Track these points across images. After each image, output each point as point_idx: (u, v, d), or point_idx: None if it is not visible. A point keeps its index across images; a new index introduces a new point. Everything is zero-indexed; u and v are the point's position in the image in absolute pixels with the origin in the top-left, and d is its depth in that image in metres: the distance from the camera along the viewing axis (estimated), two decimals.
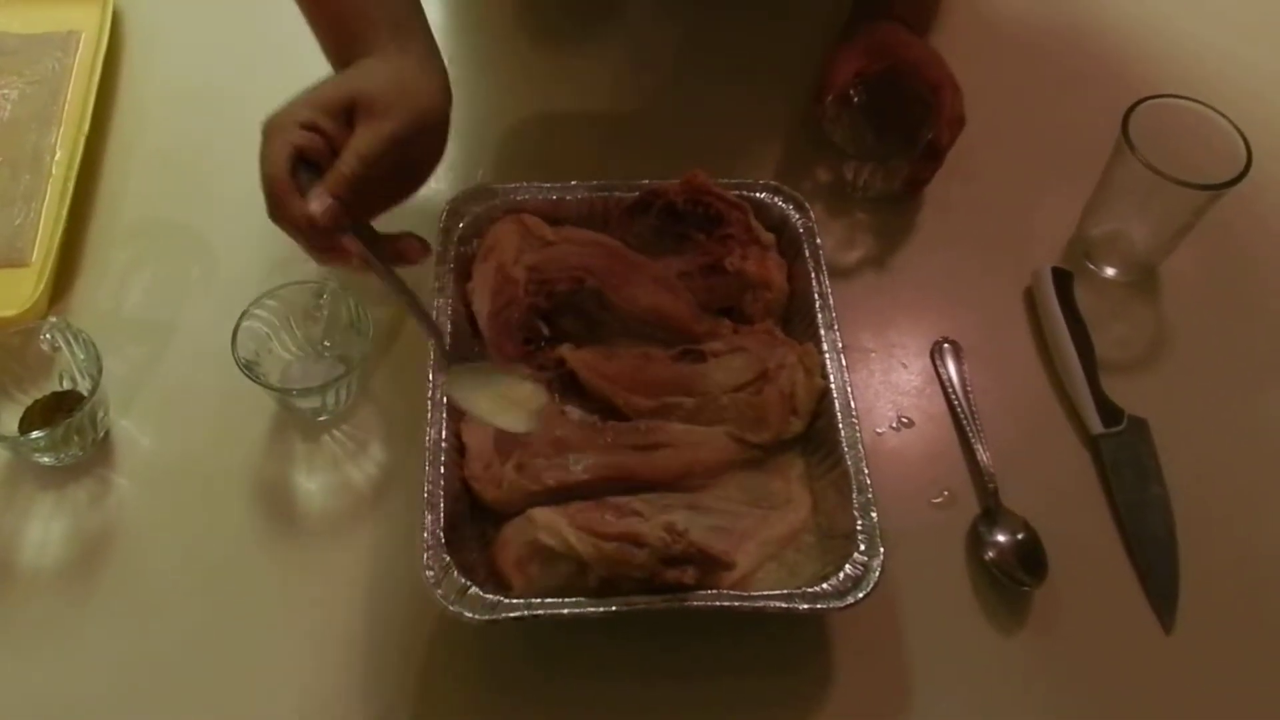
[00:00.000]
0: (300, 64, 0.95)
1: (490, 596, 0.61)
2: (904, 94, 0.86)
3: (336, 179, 0.64)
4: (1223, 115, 0.77)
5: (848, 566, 0.63)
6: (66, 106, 0.89)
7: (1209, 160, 0.76)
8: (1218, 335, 0.82)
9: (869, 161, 0.85)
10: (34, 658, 0.65)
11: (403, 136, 0.66)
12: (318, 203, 0.64)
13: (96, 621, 0.67)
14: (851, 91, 0.86)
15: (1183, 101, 0.78)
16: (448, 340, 0.70)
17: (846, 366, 0.71)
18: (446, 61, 0.72)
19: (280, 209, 0.65)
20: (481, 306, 0.74)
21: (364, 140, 0.65)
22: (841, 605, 0.61)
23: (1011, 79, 0.97)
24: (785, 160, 0.91)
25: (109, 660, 0.65)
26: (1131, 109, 0.77)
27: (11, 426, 0.71)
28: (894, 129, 0.86)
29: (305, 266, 0.80)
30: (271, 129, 0.66)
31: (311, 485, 0.72)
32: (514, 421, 0.65)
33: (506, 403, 0.66)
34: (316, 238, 0.65)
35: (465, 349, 0.73)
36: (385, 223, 0.84)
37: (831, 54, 0.89)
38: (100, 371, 0.70)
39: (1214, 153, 0.76)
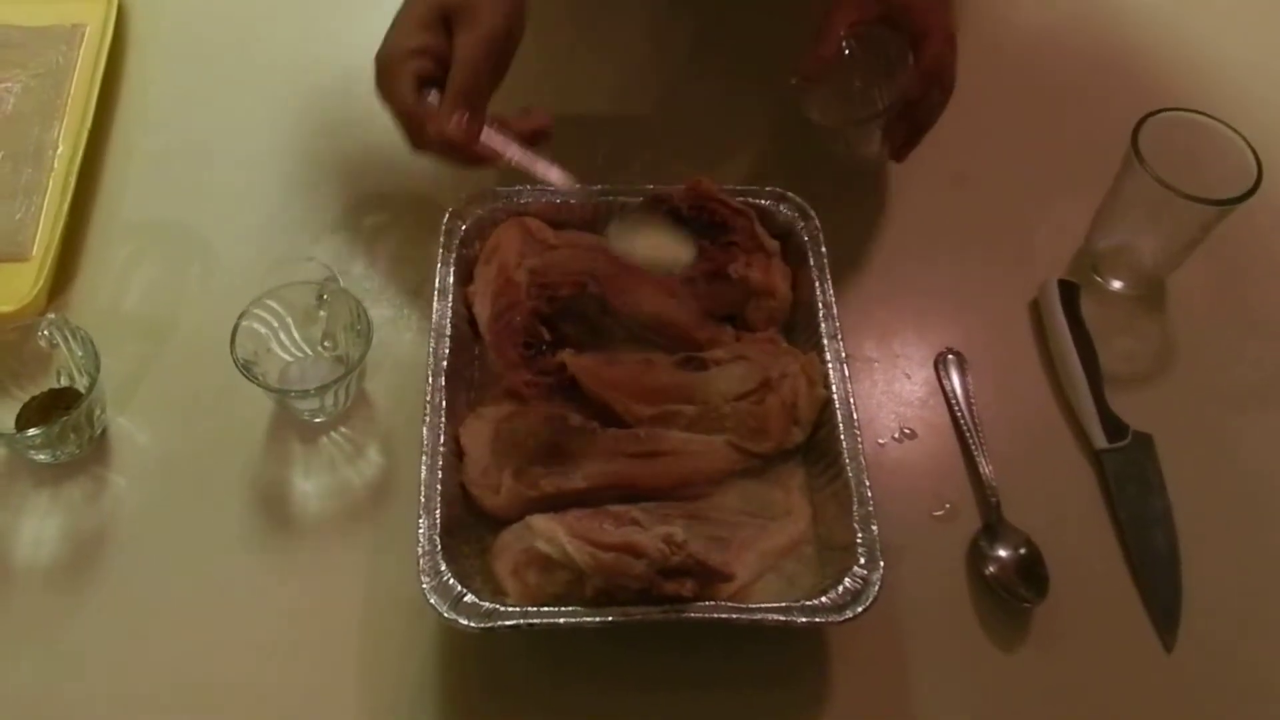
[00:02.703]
0: (304, 60, 0.95)
1: (486, 604, 0.60)
2: (892, 54, 0.77)
3: (457, 92, 0.67)
4: (1234, 130, 0.76)
5: (847, 580, 0.62)
6: (69, 101, 0.88)
7: (1219, 175, 0.75)
8: (1225, 350, 0.82)
9: (838, 128, 0.80)
10: (27, 656, 0.65)
11: (501, 32, 0.68)
12: (452, 121, 0.66)
13: (90, 620, 0.66)
14: (843, 44, 0.77)
15: (1194, 115, 0.77)
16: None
17: (849, 376, 0.71)
18: None
19: (419, 138, 0.68)
20: (483, 310, 0.74)
21: (469, 48, 0.68)
22: (840, 619, 0.61)
23: (1020, 89, 0.96)
24: (791, 167, 0.90)
25: (102, 660, 0.65)
26: (1142, 121, 0.77)
27: (8, 423, 0.70)
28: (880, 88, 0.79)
29: (306, 266, 0.81)
30: (386, 64, 0.69)
31: (308, 487, 0.71)
32: (670, 266, 0.72)
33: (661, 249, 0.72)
34: (459, 152, 0.68)
35: (466, 352, 0.72)
36: (385, 222, 0.85)
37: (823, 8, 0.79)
38: (98, 369, 0.70)
39: (1224, 167, 0.75)
